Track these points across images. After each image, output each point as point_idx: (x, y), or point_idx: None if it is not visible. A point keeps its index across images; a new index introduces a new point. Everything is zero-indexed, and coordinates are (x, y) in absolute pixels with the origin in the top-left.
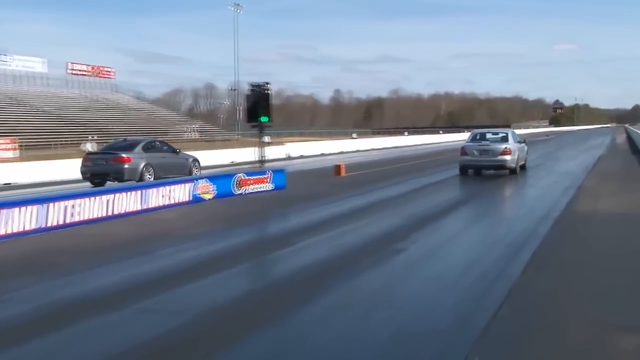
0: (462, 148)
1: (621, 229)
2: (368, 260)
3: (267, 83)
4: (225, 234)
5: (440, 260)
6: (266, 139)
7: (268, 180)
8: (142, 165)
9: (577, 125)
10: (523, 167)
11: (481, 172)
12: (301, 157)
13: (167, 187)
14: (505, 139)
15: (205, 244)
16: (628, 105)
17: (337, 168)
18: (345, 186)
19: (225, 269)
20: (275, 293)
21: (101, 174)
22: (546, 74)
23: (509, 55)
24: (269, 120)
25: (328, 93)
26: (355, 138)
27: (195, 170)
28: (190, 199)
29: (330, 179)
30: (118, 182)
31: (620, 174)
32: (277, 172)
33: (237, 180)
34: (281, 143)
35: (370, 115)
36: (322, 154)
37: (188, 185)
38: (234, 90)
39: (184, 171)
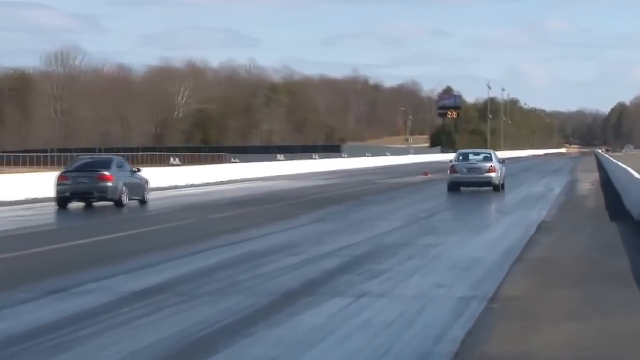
0: (452, 166)
1: None
2: None
3: None
4: None
5: None
6: None
7: None
8: (121, 184)
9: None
10: (502, 187)
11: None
12: None
13: None
14: (488, 159)
15: None
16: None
17: None
18: None
19: None
20: None
21: (83, 192)
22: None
23: None
24: None
25: None
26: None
27: (146, 194)
28: None
29: None
30: (100, 201)
31: (584, 264)
32: None
33: None
34: None
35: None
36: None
37: None
38: None
39: (140, 193)
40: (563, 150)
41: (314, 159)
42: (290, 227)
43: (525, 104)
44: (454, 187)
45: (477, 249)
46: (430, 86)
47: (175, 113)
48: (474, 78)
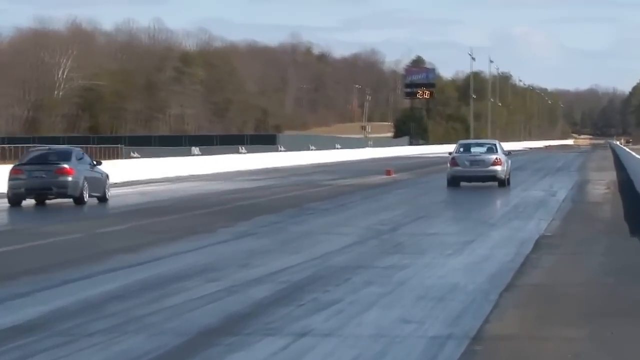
0: (452, 159)
1: None
2: None
3: None
4: None
5: None
6: None
7: None
8: (82, 179)
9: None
10: (508, 182)
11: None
12: None
13: None
14: (493, 150)
15: None
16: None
17: None
18: None
19: None
20: None
21: (40, 188)
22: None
23: None
24: None
25: None
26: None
27: (107, 190)
28: None
29: None
30: (58, 198)
31: (596, 293)
32: None
33: None
34: None
35: None
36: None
37: None
38: None
39: (101, 189)
40: (570, 141)
41: (241, 153)
42: (208, 244)
43: (520, 80)
44: (454, 181)
45: (455, 272)
46: (395, 57)
47: (55, 92)
48: (452, 46)
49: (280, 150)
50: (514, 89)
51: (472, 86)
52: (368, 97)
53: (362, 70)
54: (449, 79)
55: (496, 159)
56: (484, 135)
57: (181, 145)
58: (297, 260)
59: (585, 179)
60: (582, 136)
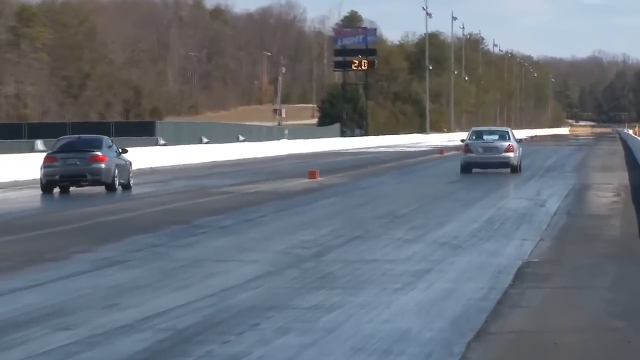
0: (466, 145)
1: None
2: None
3: None
4: None
5: None
6: None
7: None
8: (113, 166)
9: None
10: (519, 168)
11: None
12: None
13: None
14: (505, 137)
15: None
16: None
17: None
18: None
19: None
20: None
21: (75, 175)
22: None
23: None
24: None
25: None
26: None
27: (131, 178)
28: None
29: None
30: (92, 185)
31: (600, 343)
32: None
33: None
34: None
35: None
36: None
37: None
38: None
39: (126, 176)
40: (565, 130)
41: None
42: (58, 277)
43: (495, 45)
44: (468, 168)
45: (405, 314)
46: (320, 12)
47: None
48: None
49: (160, 144)
50: (486, 58)
51: (428, 54)
52: (282, 70)
53: (274, 31)
54: (396, 43)
55: (509, 145)
56: (444, 123)
57: (20, 138)
58: (184, 298)
59: (586, 182)
60: (582, 123)
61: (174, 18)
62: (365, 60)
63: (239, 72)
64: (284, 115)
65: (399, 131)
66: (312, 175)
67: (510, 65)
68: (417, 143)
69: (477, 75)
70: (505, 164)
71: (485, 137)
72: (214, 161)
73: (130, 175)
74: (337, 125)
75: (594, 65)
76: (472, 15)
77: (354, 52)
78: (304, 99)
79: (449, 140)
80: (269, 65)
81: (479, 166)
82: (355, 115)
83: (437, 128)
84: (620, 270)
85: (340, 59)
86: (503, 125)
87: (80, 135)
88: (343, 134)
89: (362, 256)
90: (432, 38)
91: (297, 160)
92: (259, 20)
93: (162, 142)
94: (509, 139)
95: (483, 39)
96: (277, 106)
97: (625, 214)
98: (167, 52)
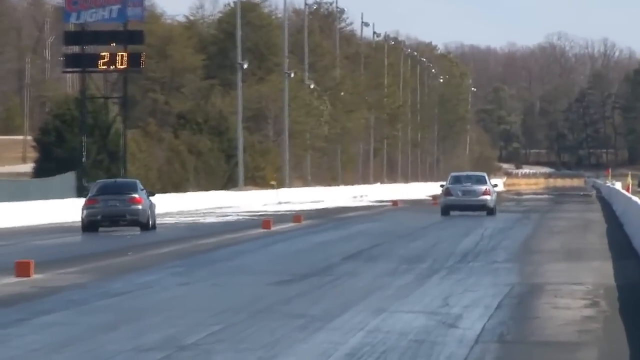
0: (447, 189)
1: None
2: None
3: None
4: None
5: None
6: None
7: None
8: (148, 207)
9: None
10: (495, 211)
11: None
12: None
13: None
14: (482, 181)
15: None
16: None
17: None
18: None
19: None
20: None
21: (116, 216)
22: None
23: None
24: None
25: None
26: None
27: (155, 218)
28: None
29: None
30: (130, 225)
31: None
32: None
33: None
34: None
35: None
36: None
37: None
38: None
39: (153, 217)
40: (498, 181)
41: None
42: None
43: (367, 25)
44: (446, 210)
45: None
46: None
47: None
48: None
49: None
50: (351, 48)
51: (241, 40)
52: None
53: None
54: (182, 20)
55: (486, 189)
56: (271, 172)
57: None
58: None
59: (534, 281)
60: (527, 169)
61: None
62: (123, 53)
63: None
64: None
65: (188, 186)
66: (21, 269)
67: (394, 62)
68: (221, 208)
69: (332, 76)
70: (482, 206)
71: (463, 182)
72: None
73: (155, 216)
74: (71, 175)
75: (549, 60)
76: None
77: (103, 37)
78: (5, 128)
79: (278, 203)
80: None
81: (458, 209)
82: (105, 155)
83: (257, 180)
84: None
85: (75, 49)
86: (376, 178)
87: (117, 179)
88: (82, 191)
89: None
90: (248, 10)
91: None
92: None
93: None
94: (486, 183)
95: (344, 11)
96: None
97: (608, 339)
98: None
